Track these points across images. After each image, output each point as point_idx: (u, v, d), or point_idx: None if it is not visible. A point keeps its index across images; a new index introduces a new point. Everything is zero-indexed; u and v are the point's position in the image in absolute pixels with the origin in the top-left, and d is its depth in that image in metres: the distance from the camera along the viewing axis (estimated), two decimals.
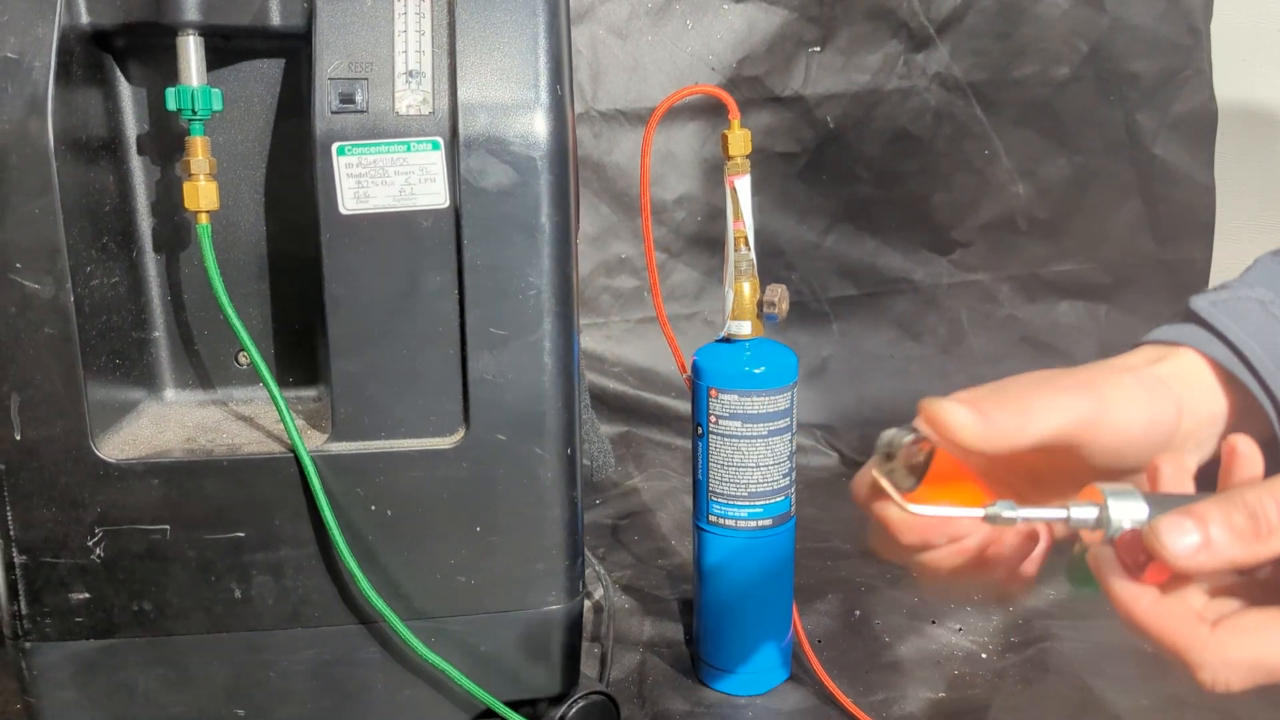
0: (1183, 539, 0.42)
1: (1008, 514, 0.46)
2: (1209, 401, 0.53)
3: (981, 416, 0.46)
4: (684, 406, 1.50)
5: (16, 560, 0.69)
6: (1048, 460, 0.51)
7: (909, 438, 0.47)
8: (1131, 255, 1.66)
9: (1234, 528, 0.42)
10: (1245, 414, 0.53)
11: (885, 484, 0.47)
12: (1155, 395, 0.51)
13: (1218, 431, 0.53)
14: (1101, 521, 0.45)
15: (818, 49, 1.51)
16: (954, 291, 1.63)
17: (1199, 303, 0.55)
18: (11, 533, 0.69)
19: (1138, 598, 0.44)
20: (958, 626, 0.97)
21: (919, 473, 0.49)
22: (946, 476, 0.50)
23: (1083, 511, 0.45)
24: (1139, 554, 0.44)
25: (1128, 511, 0.45)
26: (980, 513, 0.46)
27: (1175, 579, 0.44)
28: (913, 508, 0.47)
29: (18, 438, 0.67)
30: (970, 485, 0.51)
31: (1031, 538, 0.51)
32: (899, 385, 1.63)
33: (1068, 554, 0.49)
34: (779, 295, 0.82)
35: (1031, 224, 1.63)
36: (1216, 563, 0.42)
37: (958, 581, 0.51)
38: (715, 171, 1.52)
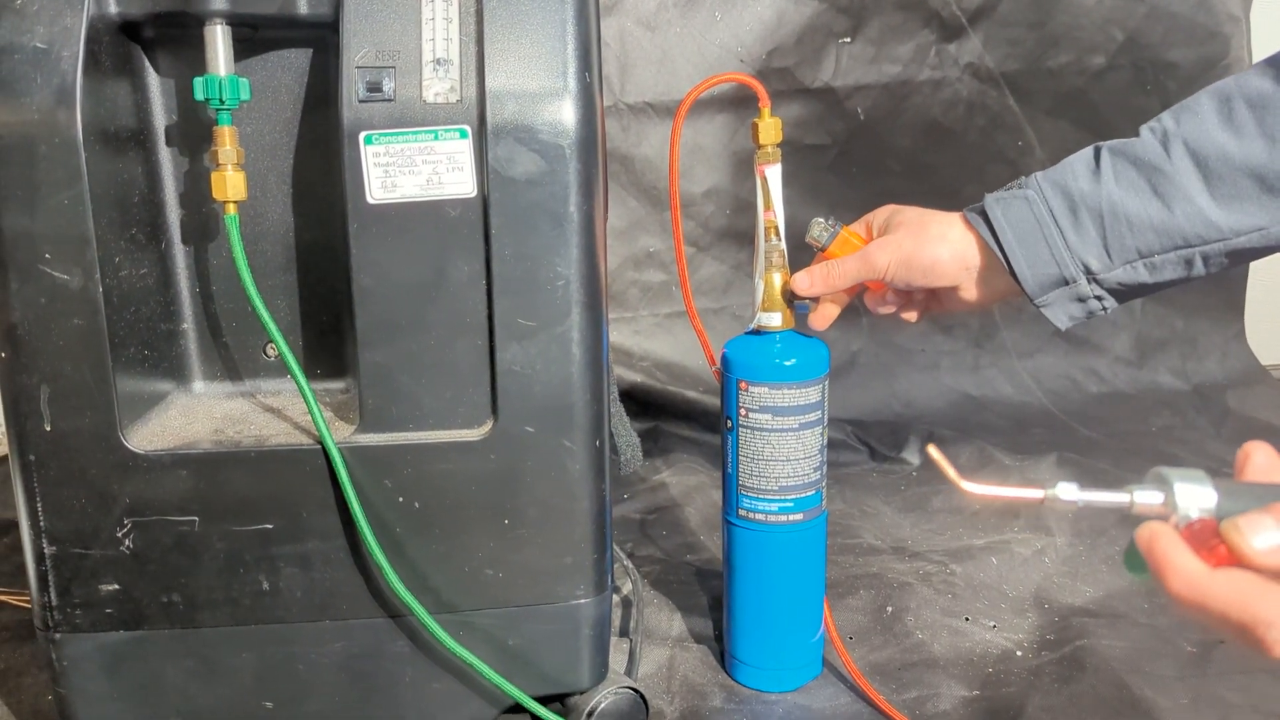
0: (1267, 538, 0.42)
1: (1066, 497, 0.46)
2: (972, 258, 0.80)
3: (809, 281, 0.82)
4: (712, 402, 1.49)
5: (47, 551, 0.69)
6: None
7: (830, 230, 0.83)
8: None
9: None
10: (996, 270, 0.80)
11: (944, 464, 0.48)
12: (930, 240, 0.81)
13: (972, 277, 0.81)
14: (1168, 506, 0.44)
15: (848, 40, 1.49)
16: None
17: (988, 198, 0.80)
18: (42, 524, 0.69)
19: (1200, 572, 0.43)
20: (992, 624, 0.95)
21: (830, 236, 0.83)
22: (847, 243, 0.83)
23: (1147, 496, 0.45)
24: (1208, 540, 0.43)
25: (1195, 499, 0.44)
26: (1039, 495, 0.47)
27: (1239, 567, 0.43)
28: (967, 486, 0.47)
29: (47, 429, 0.67)
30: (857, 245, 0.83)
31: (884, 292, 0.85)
32: (929, 379, 1.61)
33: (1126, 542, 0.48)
34: None
35: None
36: None
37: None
38: (744, 164, 1.51)
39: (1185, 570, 0.43)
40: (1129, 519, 0.47)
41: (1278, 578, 0.43)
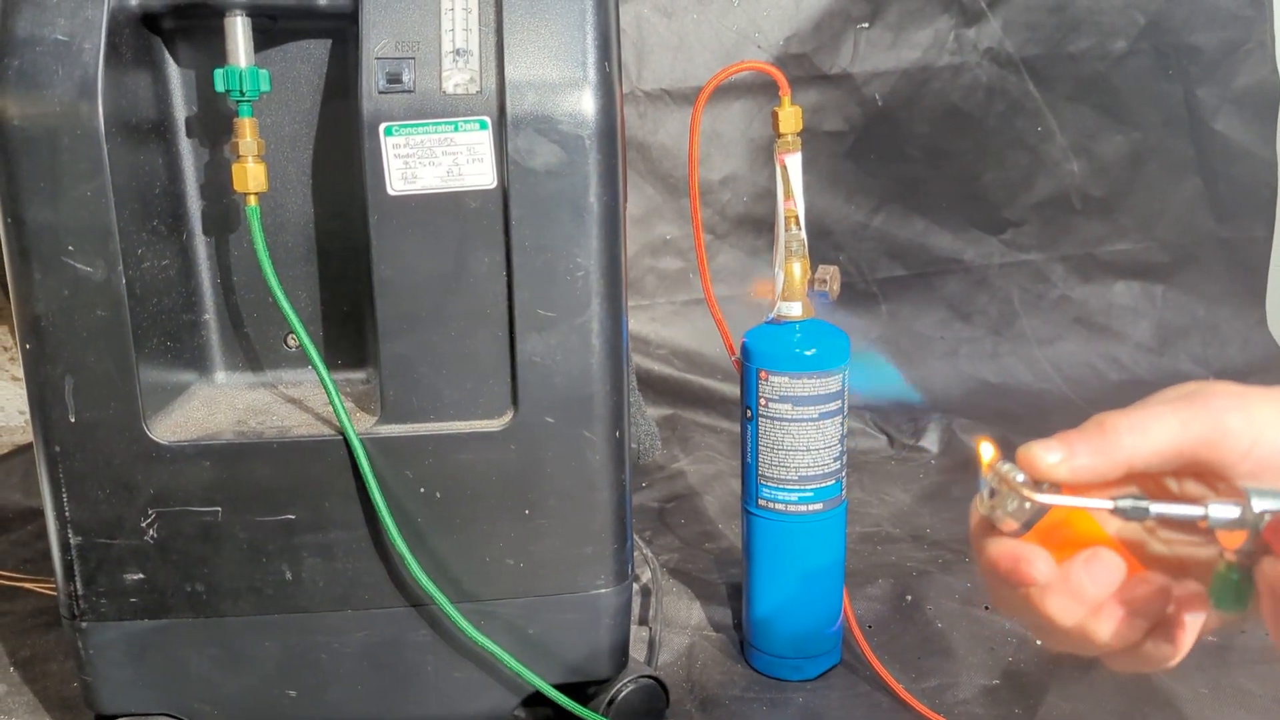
0: None
1: (1139, 505, 0.42)
2: None
3: (1067, 451, 0.43)
4: (730, 389, 1.49)
5: (72, 541, 0.70)
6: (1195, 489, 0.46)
7: (1020, 476, 0.43)
8: (1190, 234, 1.62)
9: None
10: None
11: (1001, 474, 0.43)
12: None
13: None
14: (1245, 520, 0.41)
15: (866, 25, 1.48)
16: (1006, 272, 1.61)
17: None
18: (67, 514, 0.70)
19: None
20: None
21: (1029, 516, 0.43)
22: (1067, 523, 0.44)
23: (1223, 510, 0.41)
24: None
25: (1272, 505, 0.41)
26: (1109, 505, 0.42)
27: None
28: (1036, 496, 0.42)
29: (72, 420, 0.68)
30: (1090, 528, 0.45)
31: (1162, 594, 0.43)
32: (949, 367, 1.60)
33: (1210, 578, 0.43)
34: (831, 274, 0.80)
35: (1086, 202, 1.59)
36: None
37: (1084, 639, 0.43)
38: (762, 152, 1.51)
39: None
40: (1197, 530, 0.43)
41: None
